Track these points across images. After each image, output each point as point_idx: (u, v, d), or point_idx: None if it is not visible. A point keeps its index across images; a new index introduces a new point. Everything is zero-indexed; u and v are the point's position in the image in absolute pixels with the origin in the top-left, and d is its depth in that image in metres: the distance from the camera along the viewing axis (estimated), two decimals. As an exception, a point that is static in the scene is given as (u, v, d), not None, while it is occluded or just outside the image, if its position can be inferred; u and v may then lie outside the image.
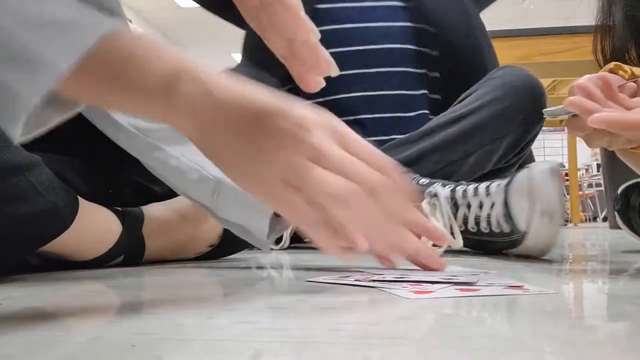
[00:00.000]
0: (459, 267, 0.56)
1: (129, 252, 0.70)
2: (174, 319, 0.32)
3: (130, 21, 1.95)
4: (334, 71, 0.38)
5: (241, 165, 0.39)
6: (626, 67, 0.60)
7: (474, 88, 1.06)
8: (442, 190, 0.85)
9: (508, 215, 0.77)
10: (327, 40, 1.09)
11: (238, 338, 0.27)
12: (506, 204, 0.77)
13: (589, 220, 5.41)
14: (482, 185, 0.82)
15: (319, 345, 0.26)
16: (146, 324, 0.31)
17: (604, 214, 5.10)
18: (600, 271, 0.59)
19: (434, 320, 0.31)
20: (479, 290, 0.40)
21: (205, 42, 5.35)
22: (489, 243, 0.82)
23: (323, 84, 0.37)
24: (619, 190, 0.92)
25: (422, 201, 0.85)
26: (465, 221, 0.82)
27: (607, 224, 2.87)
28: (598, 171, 5.82)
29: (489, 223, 0.81)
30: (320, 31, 0.99)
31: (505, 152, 1.04)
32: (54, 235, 0.59)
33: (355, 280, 0.48)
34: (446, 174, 1.00)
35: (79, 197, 0.61)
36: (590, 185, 5.75)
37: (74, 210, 0.60)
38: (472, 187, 0.84)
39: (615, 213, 0.93)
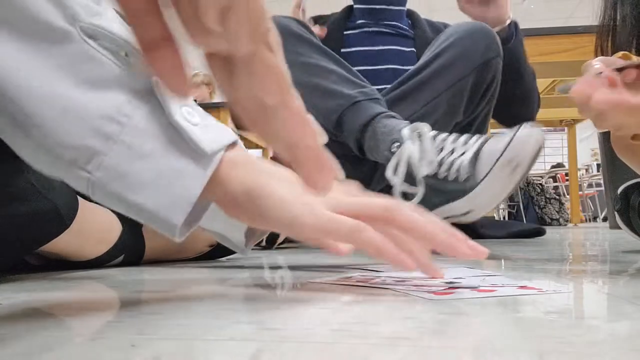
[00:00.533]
0: (461, 269, 0.56)
1: (129, 252, 0.70)
2: (174, 319, 0.32)
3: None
4: (340, 175, 0.37)
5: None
6: (635, 57, 0.60)
7: (432, 43, 1.17)
8: (429, 132, 0.87)
9: (474, 162, 0.78)
10: None
11: (238, 338, 0.27)
12: (478, 153, 0.79)
13: (589, 220, 5.40)
14: (466, 136, 0.84)
15: (319, 345, 0.26)
16: (146, 324, 0.31)
17: (604, 214, 5.10)
18: (600, 271, 0.59)
19: (434, 320, 0.31)
20: (495, 291, 0.40)
21: (205, 42, 5.33)
22: (435, 192, 0.81)
23: (330, 189, 0.36)
24: (619, 190, 0.92)
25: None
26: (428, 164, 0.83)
27: (607, 224, 2.87)
28: (598, 171, 5.82)
29: (449, 168, 0.80)
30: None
31: (472, 92, 1.13)
32: (54, 235, 0.59)
33: (356, 280, 0.48)
34: (422, 117, 1.06)
35: (79, 197, 0.61)
36: (590, 185, 5.75)
37: (74, 210, 0.60)
38: (455, 135, 0.85)
39: (615, 213, 0.93)
